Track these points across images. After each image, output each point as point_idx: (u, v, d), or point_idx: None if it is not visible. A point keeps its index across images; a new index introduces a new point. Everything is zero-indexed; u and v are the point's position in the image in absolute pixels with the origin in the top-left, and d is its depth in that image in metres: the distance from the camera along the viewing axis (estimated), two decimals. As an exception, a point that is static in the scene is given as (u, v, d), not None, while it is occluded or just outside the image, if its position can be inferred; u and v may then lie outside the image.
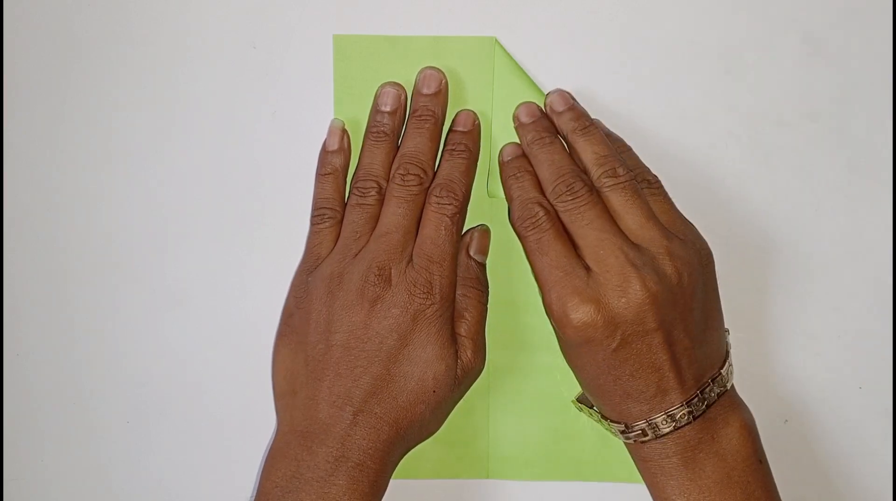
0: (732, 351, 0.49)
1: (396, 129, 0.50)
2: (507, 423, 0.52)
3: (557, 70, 0.51)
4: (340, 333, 0.46)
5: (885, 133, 0.52)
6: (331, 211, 0.49)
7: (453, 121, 0.50)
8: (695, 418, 0.45)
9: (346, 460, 0.45)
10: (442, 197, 0.48)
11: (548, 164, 0.48)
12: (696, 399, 0.45)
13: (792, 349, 0.53)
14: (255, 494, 0.46)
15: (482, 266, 0.50)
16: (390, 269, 0.46)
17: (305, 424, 0.46)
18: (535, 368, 0.52)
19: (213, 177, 0.52)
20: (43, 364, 0.53)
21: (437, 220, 0.48)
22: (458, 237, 0.48)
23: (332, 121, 0.51)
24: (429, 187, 0.48)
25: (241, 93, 0.52)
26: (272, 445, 0.47)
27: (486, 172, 0.51)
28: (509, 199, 0.49)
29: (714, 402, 0.46)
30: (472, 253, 0.50)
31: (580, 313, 0.45)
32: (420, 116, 0.49)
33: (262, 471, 0.46)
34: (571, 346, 0.46)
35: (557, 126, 0.50)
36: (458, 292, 0.49)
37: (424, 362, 0.46)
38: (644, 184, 0.48)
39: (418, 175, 0.48)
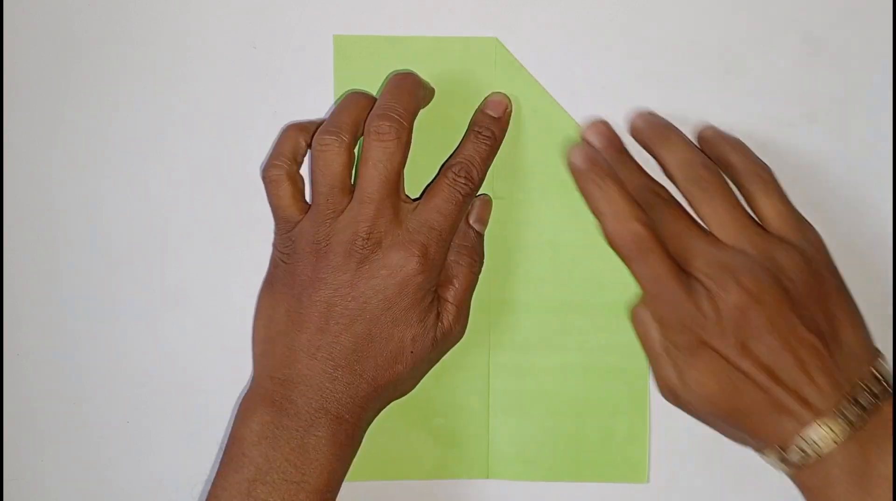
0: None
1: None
2: (508, 423, 0.52)
3: (558, 70, 0.51)
4: (324, 290, 0.46)
5: (885, 133, 0.52)
6: (288, 164, 0.49)
7: (484, 102, 0.50)
8: (853, 427, 0.42)
9: (326, 411, 0.45)
10: (460, 175, 0.47)
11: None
12: (846, 404, 0.43)
13: (792, 349, 0.53)
14: (226, 439, 0.46)
15: (480, 237, 0.50)
16: (381, 231, 0.46)
17: (284, 372, 0.46)
18: (535, 368, 0.52)
19: (213, 177, 0.52)
20: (43, 364, 0.53)
21: (451, 193, 0.47)
22: (461, 219, 0.48)
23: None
24: (405, 142, 0.46)
25: (241, 93, 0.52)
26: (248, 391, 0.47)
27: (490, 174, 0.51)
28: (597, 213, 0.48)
29: (874, 409, 0.43)
30: (471, 221, 0.50)
31: (689, 322, 0.45)
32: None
33: (238, 416, 0.46)
34: (695, 362, 0.45)
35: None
36: (452, 257, 0.49)
37: (405, 324, 0.46)
38: (756, 180, 0.47)
39: (393, 127, 0.46)
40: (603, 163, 0.48)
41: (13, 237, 0.52)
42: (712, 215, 0.46)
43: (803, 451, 0.43)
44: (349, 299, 0.46)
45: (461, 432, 0.52)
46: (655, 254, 0.46)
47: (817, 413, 0.43)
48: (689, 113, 0.52)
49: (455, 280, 0.48)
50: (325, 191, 0.47)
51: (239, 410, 0.46)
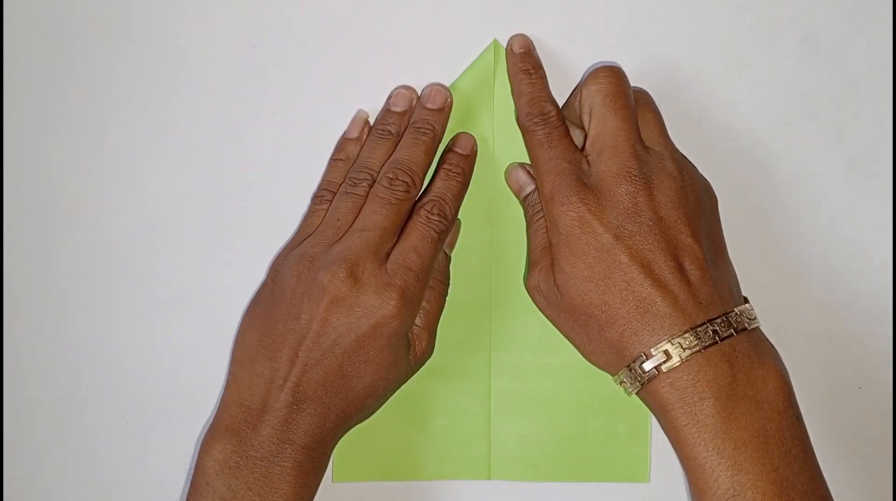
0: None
1: (402, 131, 0.50)
2: (509, 424, 0.52)
3: (558, 70, 0.51)
4: (300, 320, 0.46)
5: (885, 133, 0.52)
6: (332, 194, 0.49)
7: (453, 141, 0.50)
8: (720, 338, 0.42)
9: (291, 442, 0.45)
10: (433, 213, 0.48)
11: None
12: (719, 320, 0.42)
13: (791, 350, 0.53)
14: (191, 468, 0.46)
15: (449, 260, 0.51)
16: (360, 267, 0.46)
17: (251, 400, 0.46)
18: (536, 369, 0.52)
19: (213, 177, 0.52)
20: (43, 364, 0.53)
21: (425, 232, 0.47)
22: (437, 256, 0.48)
23: (359, 111, 0.51)
24: (414, 197, 0.48)
25: (241, 93, 0.52)
26: (214, 418, 0.47)
27: (490, 175, 0.51)
28: (518, 94, 0.50)
29: (743, 329, 0.42)
30: (444, 246, 0.50)
31: (578, 198, 0.45)
32: (420, 128, 0.49)
33: (203, 444, 0.46)
34: (571, 241, 0.45)
35: None
36: None
37: (378, 365, 0.46)
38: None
39: (406, 182, 0.48)
40: (537, 57, 0.50)
41: (13, 238, 0.52)
42: (643, 117, 0.48)
43: (668, 353, 0.42)
44: (321, 334, 0.45)
45: (462, 433, 0.52)
46: (559, 131, 0.48)
47: (690, 322, 0.42)
48: (689, 113, 0.52)
49: (427, 305, 0.49)
50: (337, 213, 0.48)
51: (204, 438, 0.46)
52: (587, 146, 0.47)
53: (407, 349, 0.47)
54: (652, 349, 0.42)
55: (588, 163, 0.46)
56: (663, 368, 0.42)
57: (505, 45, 0.51)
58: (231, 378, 0.48)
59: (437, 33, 0.51)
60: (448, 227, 0.48)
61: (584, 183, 0.45)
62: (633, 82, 0.51)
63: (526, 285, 0.49)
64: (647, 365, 0.42)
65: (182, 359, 0.53)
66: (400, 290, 0.46)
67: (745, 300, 0.46)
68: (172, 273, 0.52)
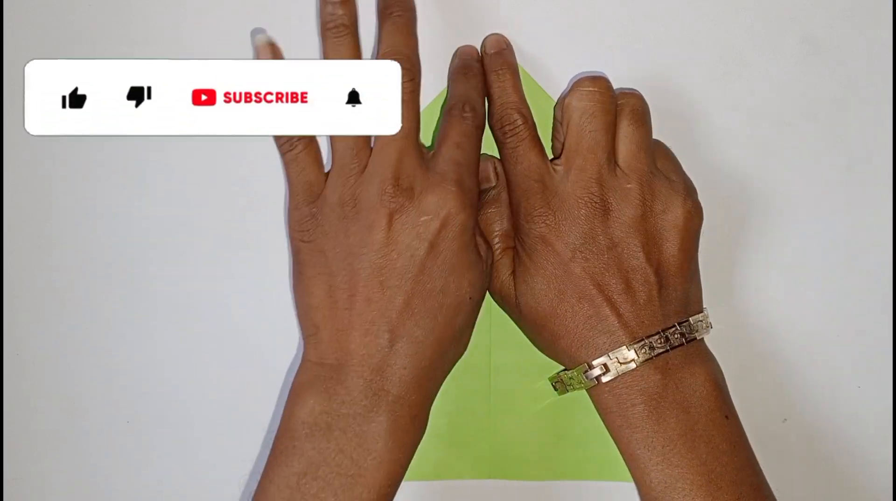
0: (729, 350, 0.49)
1: (355, 20, 0.46)
2: (509, 423, 0.52)
3: (557, 69, 0.51)
4: (365, 256, 0.43)
5: (885, 133, 0.52)
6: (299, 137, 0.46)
7: (457, 53, 0.50)
8: (655, 356, 0.44)
9: (385, 393, 0.42)
10: (466, 111, 0.47)
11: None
12: (657, 337, 0.45)
13: (791, 349, 0.53)
14: (277, 431, 0.43)
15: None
16: (410, 176, 0.44)
17: (336, 356, 0.43)
18: (536, 368, 0.52)
19: (212, 180, 0.52)
20: (43, 365, 0.53)
21: (463, 127, 0.46)
22: (479, 152, 0.47)
23: (256, 38, 0.47)
24: (419, 84, 0.46)
25: (241, 93, 0.52)
26: (297, 375, 0.44)
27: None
28: (489, 99, 0.49)
29: (678, 346, 0.45)
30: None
31: (541, 219, 0.46)
32: (392, 12, 0.47)
33: (288, 403, 0.43)
34: (533, 256, 0.46)
35: None
36: None
37: (460, 270, 0.44)
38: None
39: (410, 70, 0.45)
40: (510, 56, 0.50)
41: (13, 238, 0.52)
42: (623, 133, 0.47)
43: (606, 366, 0.45)
44: (395, 255, 0.43)
45: (463, 432, 0.52)
46: (526, 144, 0.47)
47: (630, 339, 0.45)
48: (689, 113, 0.52)
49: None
50: (346, 145, 0.45)
51: (289, 397, 0.43)
52: (562, 157, 0.47)
53: (480, 252, 0.46)
54: (594, 361, 0.45)
55: (559, 173, 0.47)
56: (603, 379, 0.45)
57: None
58: (309, 341, 0.44)
59: (438, 33, 0.51)
60: (482, 123, 0.48)
61: (548, 202, 0.46)
62: (632, 83, 0.51)
63: (489, 289, 0.49)
64: (591, 375, 0.45)
65: (182, 359, 0.53)
66: (456, 182, 0.44)
67: (701, 312, 0.47)
68: (172, 274, 0.52)
